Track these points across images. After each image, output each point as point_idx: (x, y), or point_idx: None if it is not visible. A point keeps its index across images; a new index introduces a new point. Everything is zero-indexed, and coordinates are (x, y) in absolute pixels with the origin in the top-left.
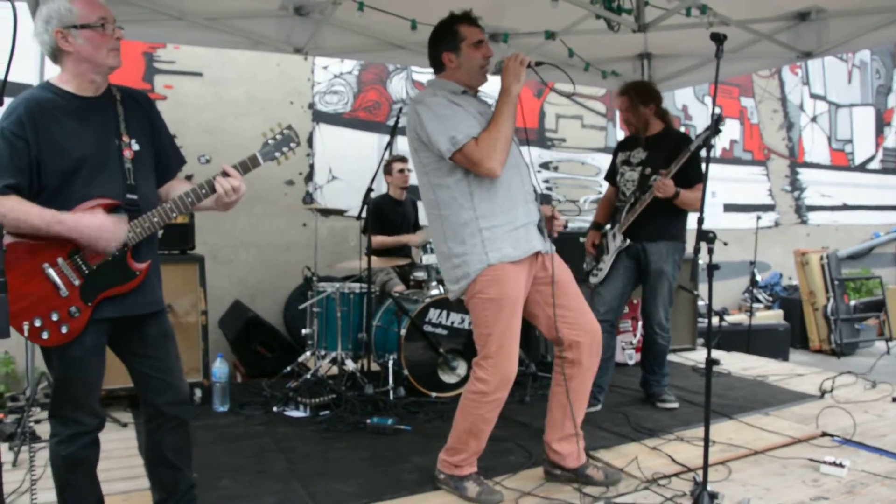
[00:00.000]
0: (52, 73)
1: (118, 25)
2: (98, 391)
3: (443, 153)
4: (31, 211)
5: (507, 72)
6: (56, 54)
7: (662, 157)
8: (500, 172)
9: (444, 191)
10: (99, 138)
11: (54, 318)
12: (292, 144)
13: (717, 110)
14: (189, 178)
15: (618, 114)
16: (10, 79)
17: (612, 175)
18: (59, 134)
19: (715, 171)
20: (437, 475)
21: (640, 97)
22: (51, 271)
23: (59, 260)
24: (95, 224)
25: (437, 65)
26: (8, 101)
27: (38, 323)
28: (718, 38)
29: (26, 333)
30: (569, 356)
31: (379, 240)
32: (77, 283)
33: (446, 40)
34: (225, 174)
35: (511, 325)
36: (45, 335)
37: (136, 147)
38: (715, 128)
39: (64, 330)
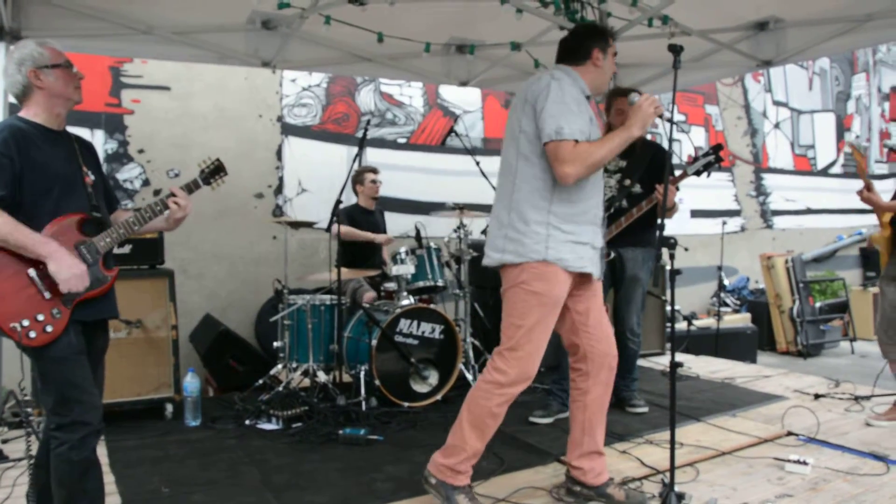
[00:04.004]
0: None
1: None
2: (94, 386)
3: (542, 134)
4: (21, 227)
5: (639, 113)
6: (26, 92)
7: (642, 166)
8: (571, 182)
9: (528, 167)
10: (67, 164)
11: (40, 318)
12: (221, 174)
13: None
14: (157, 193)
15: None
16: None
17: None
18: (38, 155)
19: None
20: (428, 478)
21: None
22: (34, 275)
23: (42, 265)
24: (72, 263)
25: (580, 57)
26: None
27: (25, 323)
28: (675, 49)
29: (19, 332)
30: (582, 367)
31: (348, 229)
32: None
33: (601, 39)
34: (173, 195)
35: (545, 322)
36: (32, 334)
37: (92, 177)
38: (716, 157)
39: (49, 329)
